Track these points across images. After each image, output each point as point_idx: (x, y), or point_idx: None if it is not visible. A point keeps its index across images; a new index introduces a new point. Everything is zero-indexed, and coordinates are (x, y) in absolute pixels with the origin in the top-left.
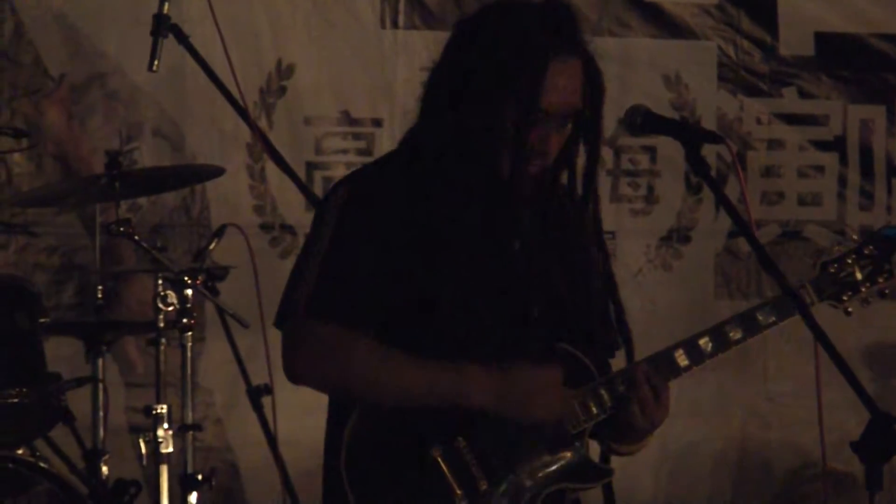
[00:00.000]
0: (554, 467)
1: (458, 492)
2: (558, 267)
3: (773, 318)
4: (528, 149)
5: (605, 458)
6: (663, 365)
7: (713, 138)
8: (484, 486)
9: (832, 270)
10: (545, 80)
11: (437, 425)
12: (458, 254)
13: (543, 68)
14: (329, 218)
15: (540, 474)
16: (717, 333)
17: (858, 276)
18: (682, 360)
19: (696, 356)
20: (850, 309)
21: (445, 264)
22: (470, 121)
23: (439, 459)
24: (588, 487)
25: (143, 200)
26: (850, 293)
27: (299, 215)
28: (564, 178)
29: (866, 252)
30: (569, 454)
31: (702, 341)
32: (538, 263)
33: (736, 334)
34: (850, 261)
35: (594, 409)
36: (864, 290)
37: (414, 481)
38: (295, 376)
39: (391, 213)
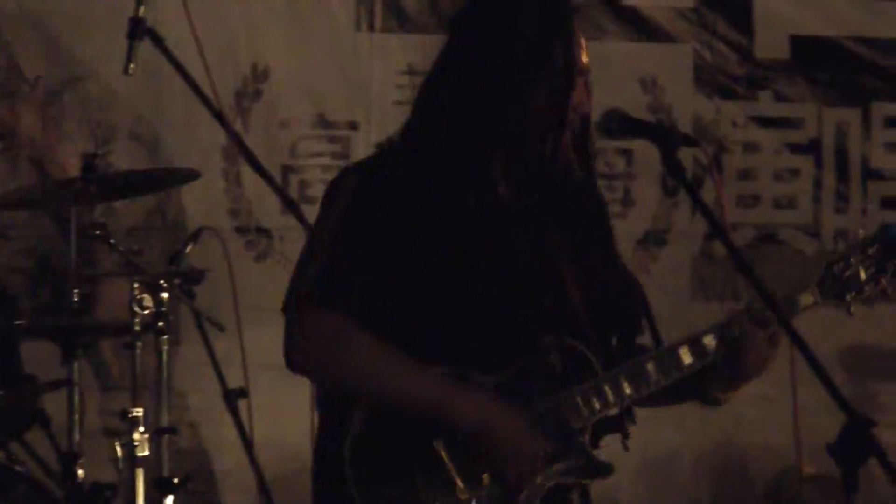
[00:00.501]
0: (556, 462)
1: (461, 485)
2: (574, 254)
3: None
4: (573, 114)
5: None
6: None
7: (689, 142)
8: (486, 479)
9: (836, 270)
10: (577, 37)
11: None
12: (471, 247)
13: (572, 26)
14: (338, 204)
15: (544, 468)
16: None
17: (863, 275)
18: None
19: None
20: (852, 309)
21: (458, 257)
22: (497, 107)
23: (442, 452)
24: (588, 482)
25: (117, 203)
26: (853, 293)
27: (275, 218)
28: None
29: (870, 252)
30: (571, 449)
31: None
32: (552, 254)
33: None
34: (853, 260)
35: (597, 405)
36: (867, 289)
37: (417, 475)
38: (292, 364)
39: (404, 204)
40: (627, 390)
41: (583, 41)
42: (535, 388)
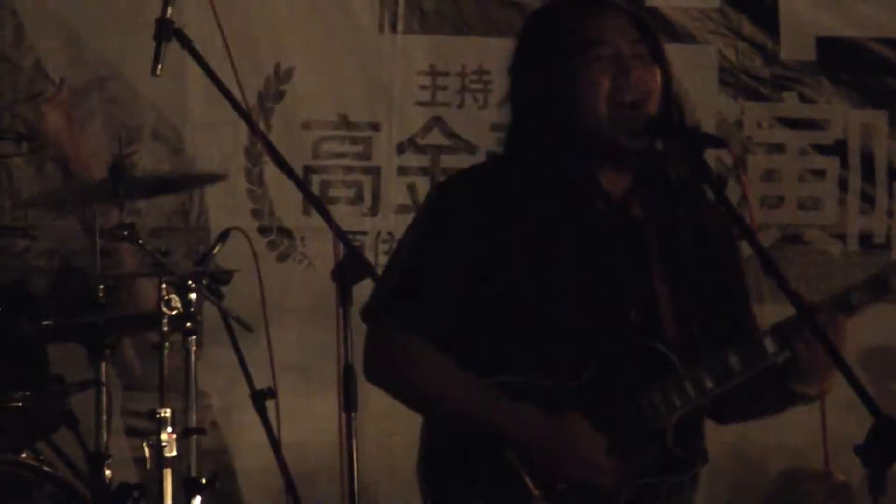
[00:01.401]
0: (635, 463)
1: (536, 492)
2: (667, 264)
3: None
4: (610, 87)
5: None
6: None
7: (717, 143)
8: (563, 485)
9: (890, 276)
10: (582, 15)
11: None
12: (545, 257)
13: (577, 8)
14: (419, 220)
15: (623, 468)
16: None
17: None
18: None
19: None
20: None
21: (532, 268)
22: (554, 101)
23: (514, 460)
24: (675, 480)
25: (141, 204)
26: None
27: (297, 218)
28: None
29: None
30: (651, 449)
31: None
32: (639, 263)
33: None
34: None
35: (677, 402)
36: None
37: (491, 483)
38: (368, 377)
39: (479, 218)
40: (709, 384)
41: (614, 23)
42: (614, 392)
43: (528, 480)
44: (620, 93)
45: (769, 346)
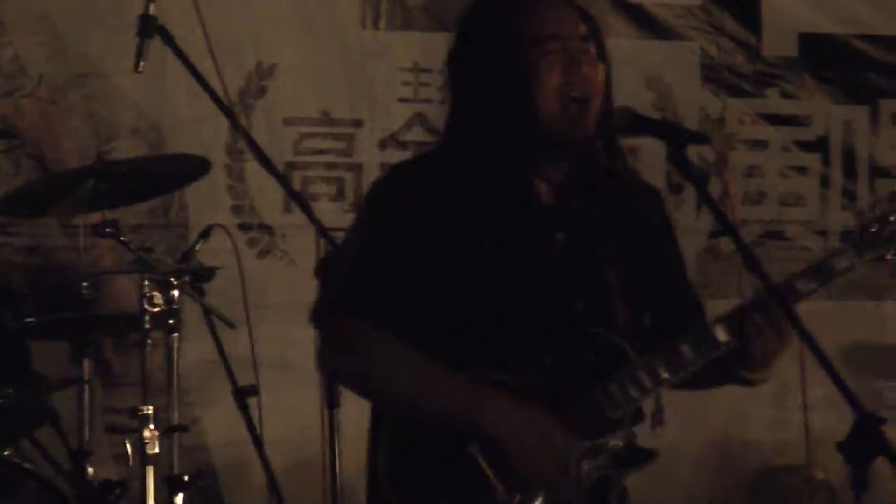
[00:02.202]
0: (597, 455)
1: (500, 487)
2: (612, 254)
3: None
4: (559, 82)
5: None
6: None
7: (698, 139)
8: (525, 481)
9: (874, 230)
10: (532, 8)
11: None
12: (490, 249)
13: (528, 1)
14: (363, 213)
15: (583, 463)
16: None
17: None
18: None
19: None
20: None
21: (478, 260)
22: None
23: (477, 456)
24: (632, 472)
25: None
26: (894, 252)
27: (278, 215)
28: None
29: None
30: (611, 441)
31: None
32: (584, 253)
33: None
34: (892, 218)
35: (633, 392)
36: None
37: (455, 480)
38: (323, 371)
39: (423, 208)
40: (664, 374)
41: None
42: (568, 383)
43: (491, 477)
44: (570, 88)
45: (720, 335)
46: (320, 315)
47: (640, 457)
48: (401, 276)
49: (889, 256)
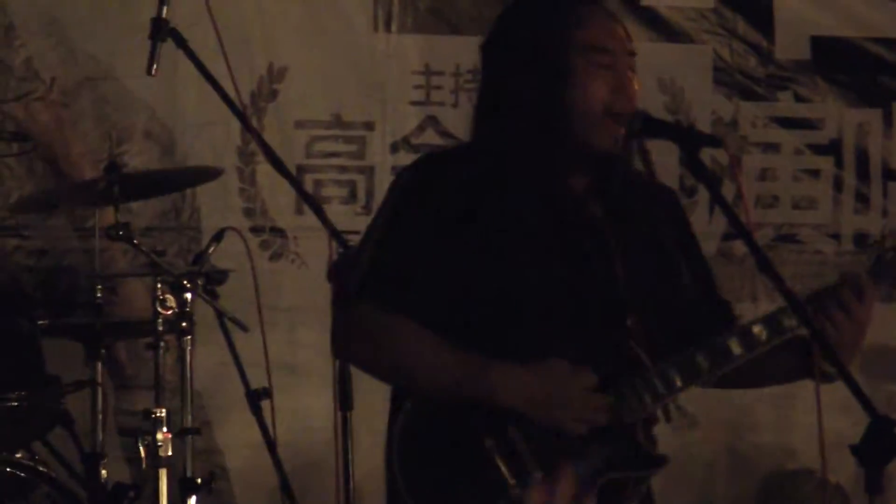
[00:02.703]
0: (608, 456)
1: (512, 481)
2: (626, 261)
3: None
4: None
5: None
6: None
7: (713, 142)
8: (539, 475)
9: (889, 258)
10: (579, 17)
11: (489, 414)
12: (516, 256)
13: (581, 8)
14: (391, 202)
15: (595, 463)
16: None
17: None
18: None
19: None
20: None
21: (502, 266)
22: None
23: (492, 449)
24: (644, 476)
25: (133, 203)
26: None
27: (289, 218)
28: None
29: None
30: (622, 443)
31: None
32: (600, 261)
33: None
34: None
35: (648, 399)
36: None
37: (467, 472)
38: (336, 353)
39: (451, 199)
40: (678, 383)
41: (606, 24)
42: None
43: (503, 469)
44: (615, 103)
45: (734, 347)
46: (341, 301)
47: (651, 462)
48: (424, 265)
49: None
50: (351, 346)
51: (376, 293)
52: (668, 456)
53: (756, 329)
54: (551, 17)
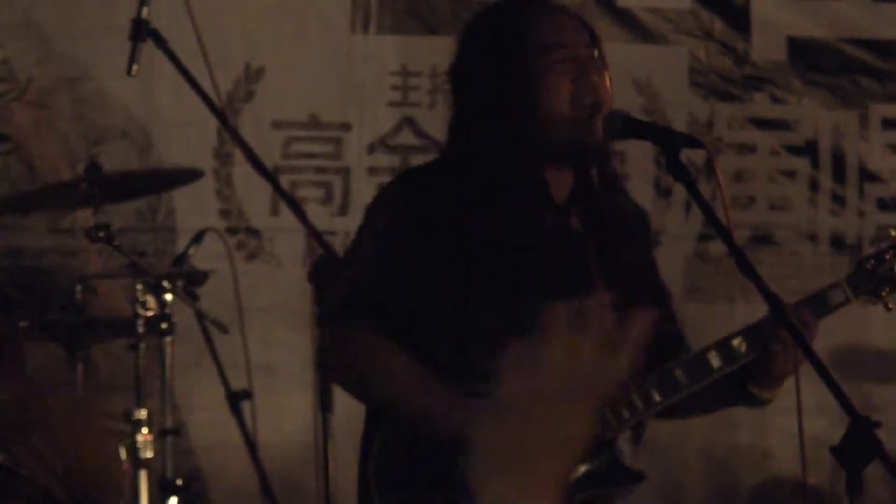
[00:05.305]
0: (585, 472)
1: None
2: (605, 274)
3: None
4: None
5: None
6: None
7: (693, 143)
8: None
9: (869, 267)
10: (536, 18)
11: None
12: (496, 271)
13: (530, 11)
14: (374, 220)
15: (574, 479)
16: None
17: None
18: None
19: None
20: (890, 305)
21: (482, 281)
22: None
23: (465, 470)
24: (621, 492)
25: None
26: (888, 289)
27: (265, 219)
28: None
29: None
30: (600, 459)
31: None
32: (580, 275)
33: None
34: (888, 256)
35: (626, 415)
36: None
37: (442, 488)
38: (323, 373)
39: (435, 221)
40: (657, 398)
41: (567, 23)
42: None
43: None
44: (582, 95)
45: (713, 360)
46: (328, 318)
47: (625, 477)
48: (408, 285)
49: (884, 294)
50: (334, 370)
51: (358, 314)
52: (644, 472)
53: (735, 342)
54: (505, 27)
